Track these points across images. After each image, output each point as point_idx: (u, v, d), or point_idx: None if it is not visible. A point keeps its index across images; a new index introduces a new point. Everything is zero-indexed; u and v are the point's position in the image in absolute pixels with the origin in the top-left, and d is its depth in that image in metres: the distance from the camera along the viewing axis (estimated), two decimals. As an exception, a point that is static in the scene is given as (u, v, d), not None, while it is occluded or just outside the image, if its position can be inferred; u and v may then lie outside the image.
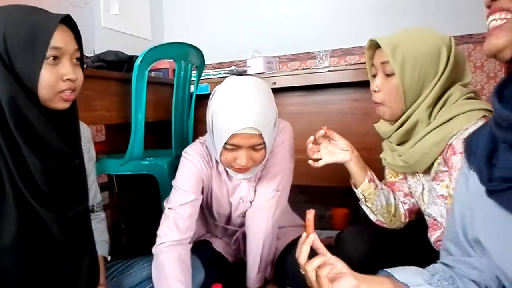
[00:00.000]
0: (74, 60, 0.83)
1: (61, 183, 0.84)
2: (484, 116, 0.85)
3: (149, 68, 1.50)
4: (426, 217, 1.02)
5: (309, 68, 1.93)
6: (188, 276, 1.03)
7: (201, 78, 1.86)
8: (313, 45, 2.71)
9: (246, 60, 2.22)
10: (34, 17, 0.79)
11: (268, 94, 1.02)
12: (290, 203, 1.39)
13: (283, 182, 1.18)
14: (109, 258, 1.10)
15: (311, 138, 1.04)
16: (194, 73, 1.76)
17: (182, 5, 3.23)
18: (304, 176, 1.84)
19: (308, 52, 2.75)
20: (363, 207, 1.10)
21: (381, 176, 1.14)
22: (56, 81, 0.79)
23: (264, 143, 0.99)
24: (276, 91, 1.93)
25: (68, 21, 0.82)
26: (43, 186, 0.79)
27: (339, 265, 0.68)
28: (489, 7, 0.51)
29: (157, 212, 1.21)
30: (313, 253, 0.70)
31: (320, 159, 1.06)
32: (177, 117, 1.65)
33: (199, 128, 1.89)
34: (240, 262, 1.30)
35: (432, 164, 0.93)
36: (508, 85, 0.54)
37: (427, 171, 0.96)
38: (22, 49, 0.76)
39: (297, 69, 1.92)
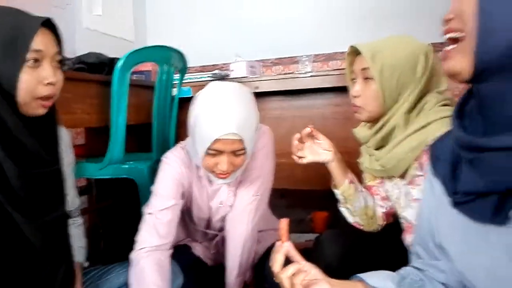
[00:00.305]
0: (55, 63, 0.83)
1: (38, 189, 0.83)
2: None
3: (130, 71, 1.48)
4: (402, 220, 1.04)
5: (292, 73, 1.95)
6: (167, 282, 1.03)
7: (184, 81, 1.86)
8: (297, 49, 2.73)
9: (229, 63, 2.22)
10: (15, 19, 0.78)
11: (250, 100, 1.03)
12: (272, 207, 1.40)
13: (263, 187, 1.18)
14: (86, 264, 1.08)
15: (297, 135, 1.08)
16: (176, 76, 1.75)
17: (165, 7, 3.21)
18: (285, 179, 1.85)
19: (292, 57, 2.77)
20: (342, 209, 1.13)
21: (360, 180, 1.16)
22: (36, 84, 0.78)
23: (245, 148, 0.99)
24: (259, 95, 1.94)
25: (49, 24, 0.81)
26: (19, 191, 0.78)
27: (313, 272, 0.69)
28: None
29: (137, 217, 1.20)
30: (288, 261, 0.70)
31: (304, 157, 1.10)
32: (158, 120, 1.64)
33: (181, 132, 1.88)
34: (220, 266, 1.30)
35: (408, 168, 0.95)
36: (467, 104, 0.56)
37: (403, 175, 0.98)
38: (2, 51, 0.75)
39: (280, 74, 1.93)
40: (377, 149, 1.01)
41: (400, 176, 1.00)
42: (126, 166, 1.55)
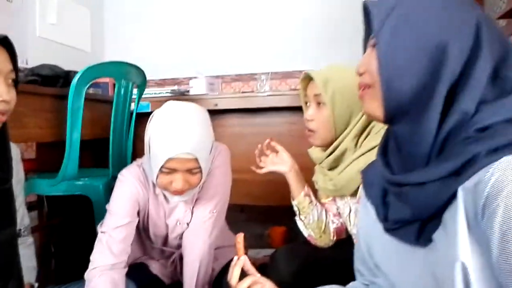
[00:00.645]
0: (9, 81, 0.81)
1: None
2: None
3: (87, 86, 1.46)
4: (353, 236, 1.10)
5: (251, 92, 2.00)
6: (121, 301, 1.01)
7: (143, 96, 1.85)
8: (256, 67, 2.80)
9: (190, 77, 2.22)
10: None
11: (205, 119, 1.05)
12: (231, 221, 1.42)
13: (220, 204, 1.20)
14: (36, 285, 1.04)
15: (259, 146, 1.19)
16: (135, 91, 1.74)
17: (124, 18, 3.15)
18: (244, 195, 1.88)
19: (251, 74, 2.83)
20: (298, 221, 1.18)
21: (316, 195, 1.22)
22: None
23: (200, 167, 1.01)
24: (218, 112, 1.97)
25: (4, 41, 0.80)
26: None
27: (268, 285, 0.72)
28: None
29: (91, 235, 1.18)
30: (244, 275, 0.74)
31: (263, 167, 1.19)
32: (115, 135, 1.62)
33: (139, 147, 1.86)
34: (177, 283, 1.30)
35: (358, 188, 1.01)
36: (390, 142, 0.63)
37: (354, 194, 1.05)
38: None
39: (238, 92, 1.98)
40: (330, 169, 1.07)
41: (351, 195, 1.06)
42: (81, 182, 1.51)
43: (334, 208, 1.17)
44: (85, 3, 3.01)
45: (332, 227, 1.18)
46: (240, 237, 0.80)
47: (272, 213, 2.11)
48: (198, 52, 2.95)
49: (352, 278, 0.80)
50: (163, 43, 3.05)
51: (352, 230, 1.08)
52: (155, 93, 2.07)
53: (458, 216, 0.48)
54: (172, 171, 1.00)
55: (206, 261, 1.20)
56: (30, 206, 1.21)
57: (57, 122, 1.54)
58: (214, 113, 1.92)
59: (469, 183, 0.48)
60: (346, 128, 1.01)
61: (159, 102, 1.96)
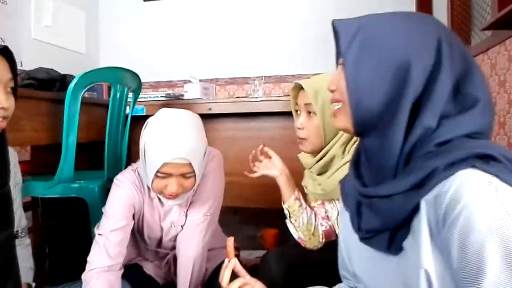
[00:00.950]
0: (8, 89, 0.84)
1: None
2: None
3: (83, 91, 1.49)
4: (341, 239, 1.14)
5: (245, 97, 2.04)
6: (117, 302, 1.04)
7: (138, 100, 1.88)
8: (250, 70, 2.84)
9: (184, 80, 2.25)
10: None
11: (198, 125, 1.09)
12: (225, 223, 1.45)
13: (213, 207, 1.24)
14: (33, 285, 1.07)
15: (253, 152, 1.23)
16: (130, 94, 1.77)
17: (119, 19, 3.17)
18: (238, 198, 1.92)
19: (245, 77, 2.86)
20: (288, 224, 1.22)
21: (306, 199, 1.26)
22: None
23: (194, 171, 1.05)
24: (212, 116, 2.01)
25: (4, 51, 0.83)
26: None
27: (258, 286, 0.76)
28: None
29: (86, 236, 1.20)
30: (235, 276, 0.77)
31: (256, 172, 1.23)
32: (111, 138, 1.65)
33: (133, 150, 1.89)
34: (171, 284, 1.33)
35: (346, 192, 1.06)
36: (360, 156, 0.66)
37: (342, 198, 1.09)
38: None
39: (232, 96, 2.01)
40: (319, 174, 1.12)
41: (339, 199, 1.10)
42: (76, 185, 1.54)
43: (323, 211, 1.21)
44: (80, 5, 3.03)
45: (321, 229, 1.21)
46: (230, 241, 0.84)
47: (265, 216, 2.15)
48: (192, 55, 2.98)
49: (340, 279, 0.84)
50: (157, 45, 3.07)
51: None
52: (149, 97, 2.10)
53: (421, 226, 0.52)
54: (167, 175, 1.04)
55: (200, 262, 1.23)
56: (24, 207, 1.23)
57: (52, 125, 1.56)
58: (208, 117, 1.96)
59: (430, 196, 0.51)
60: (335, 136, 1.06)
61: (153, 105, 2.00)
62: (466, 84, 0.56)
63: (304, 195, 1.24)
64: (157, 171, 1.02)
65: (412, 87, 0.55)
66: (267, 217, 2.13)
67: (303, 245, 1.21)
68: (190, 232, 1.22)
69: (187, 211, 1.23)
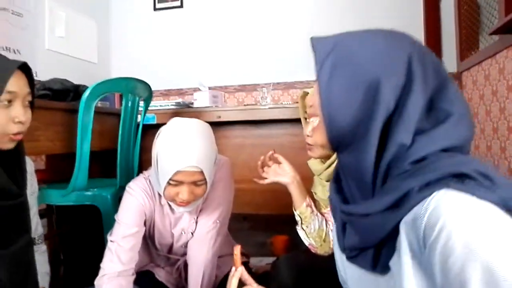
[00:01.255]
0: (26, 103, 0.88)
1: (5, 220, 0.85)
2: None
3: (96, 101, 1.53)
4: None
5: (254, 104, 2.06)
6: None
7: (148, 108, 1.92)
8: (259, 77, 2.86)
9: (194, 88, 2.28)
10: None
11: (209, 134, 1.12)
12: (235, 229, 1.46)
13: (223, 214, 1.26)
14: (49, 291, 1.10)
15: (262, 157, 1.22)
16: (142, 103, 1.81)
17: (130, 29, 3.23)
18: (247, 204, 1.94)
19: (254, 84, 2.89)
20: (299, 230, 1.22)
21: (316, 205, 1.27)
22: (7, 122, 0.83)
23: (205, 179, 1.07)
24: (221, 124, 2.04)
25: (23, 67, 0.87)
26: None
27: None
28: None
29: (99, 243, 1.23)
30: (243, 284, 0.79)
31: (266, 178, 1.22)
32: (123, 147, 1.68)
33: (145, 158, 1.92)
34: (182, 290, 1.35)
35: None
36: (339, 175, 0.67)
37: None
38: None
39: (241, 104, 2.03)
40: (328, 180, 1.13)
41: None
42: (90, 193, 1.57)
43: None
44: (92, 16, 3.10)
45: (331, 235, 1.22)
46: (237, 249, 0.86)
47: (274, 222, 2.15)
48: (202, 63, 3.02)
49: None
50: (167, 54, 3.11)
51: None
52: (160, 106, 2.14)
53: (402, 247, 0.51)
54: (179, 183, 1.06)
55: (210, 269, 1.25)
56: (39, 215, 1.27)
57: (67, 135, 1.61)
58: (217, 125, 1.99)
59: (408, 217, 0.51)
60: None
61: (164, 114, 2.04)
62: (439, 99, 0.56)
63: (314, 201, 1.25)
64: (170, 179, 1.05)
65: (383, 105, 0.55)
66: (276, 223, 2.14)
67: (313, 251, 1.22)
68: (201, 238, 1.24)
69: (197, 218, 1.25)
